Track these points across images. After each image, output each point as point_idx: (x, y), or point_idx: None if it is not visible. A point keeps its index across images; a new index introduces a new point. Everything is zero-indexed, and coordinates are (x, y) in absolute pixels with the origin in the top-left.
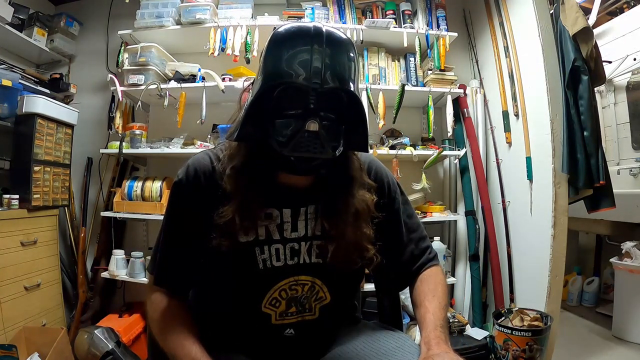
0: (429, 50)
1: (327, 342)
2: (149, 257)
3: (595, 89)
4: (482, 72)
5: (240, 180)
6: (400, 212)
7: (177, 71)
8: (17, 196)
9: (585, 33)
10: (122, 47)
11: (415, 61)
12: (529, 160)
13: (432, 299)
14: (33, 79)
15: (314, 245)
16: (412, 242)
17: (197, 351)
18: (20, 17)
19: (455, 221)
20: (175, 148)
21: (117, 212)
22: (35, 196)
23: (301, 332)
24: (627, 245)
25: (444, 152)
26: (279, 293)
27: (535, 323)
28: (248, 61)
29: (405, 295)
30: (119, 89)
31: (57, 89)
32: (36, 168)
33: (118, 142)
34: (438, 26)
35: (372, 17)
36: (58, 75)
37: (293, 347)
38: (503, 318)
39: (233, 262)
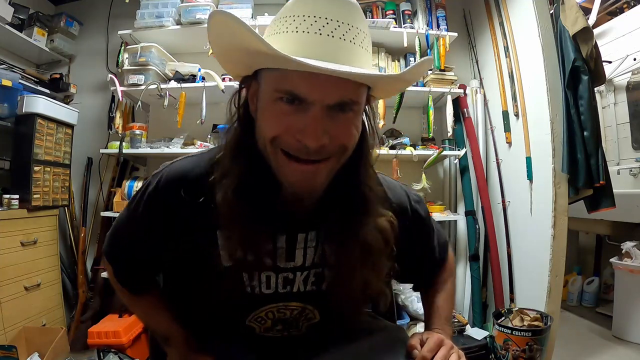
0: (429, 50)
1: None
2: None
3: (595, 89)
4: (482, 72)
5: (239, 206)
6: (423, 238)
7: (177, 71)
8: (17, 196)
9: (585, 33)
10: (122, 47)
11: (415, 61)
12: (529, 160)
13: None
14: (33, 79)
15: (311, 273)
16: (428, 258)
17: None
18: (20, 17)
19: (455, 221)
20: (175, 148)
21: (117, 212)
22: (35, 196)
23: (286, 346)
24: (627, 245)
25: (444, 152)
26: (265, 314)
27: (535, 323)
28: None
29: (405, 296)
30: (119, 89)
31: (57, 89)
32: (36, 168)
33: (118, 142)
34: (438, 26)
35: (372, 17)
36: (58, 75)
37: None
38: (503, 318)
39: (215, 283)
